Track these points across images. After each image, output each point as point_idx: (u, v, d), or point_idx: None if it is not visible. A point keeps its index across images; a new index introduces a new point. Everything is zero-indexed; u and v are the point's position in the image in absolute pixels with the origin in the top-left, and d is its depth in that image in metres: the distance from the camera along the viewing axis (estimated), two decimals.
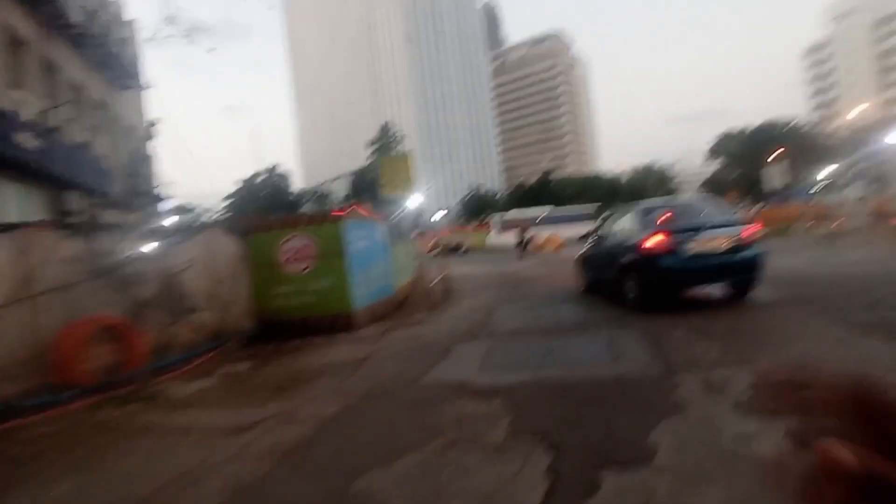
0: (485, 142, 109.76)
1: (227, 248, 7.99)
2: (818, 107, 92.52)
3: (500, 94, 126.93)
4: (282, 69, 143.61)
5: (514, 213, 37.48)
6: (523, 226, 27.06)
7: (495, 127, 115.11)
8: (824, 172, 43.66)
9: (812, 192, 38.49)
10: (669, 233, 7.02)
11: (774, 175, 25.93)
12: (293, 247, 8.02)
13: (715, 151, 75.70)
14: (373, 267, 9.00)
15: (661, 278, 7.03)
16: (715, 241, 6.97)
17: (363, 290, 8.33)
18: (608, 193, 63.02)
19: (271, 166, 75.58)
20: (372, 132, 63.03)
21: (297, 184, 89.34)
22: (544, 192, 68.04)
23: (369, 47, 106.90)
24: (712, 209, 7.79)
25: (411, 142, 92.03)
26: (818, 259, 11.00)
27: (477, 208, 73.13)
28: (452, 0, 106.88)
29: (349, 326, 7.91)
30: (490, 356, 5.71)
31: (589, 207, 39.18)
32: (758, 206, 27.40)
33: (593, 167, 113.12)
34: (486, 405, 4.06)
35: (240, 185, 70.28)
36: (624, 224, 8.17)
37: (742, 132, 69.88)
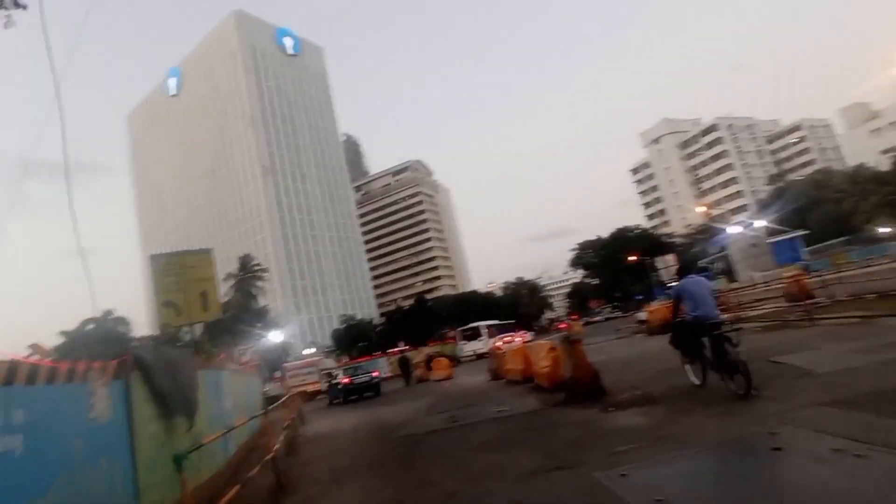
0: (355, 270, 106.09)
1: None
2: (651, 216, 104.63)
3: (368, 223, 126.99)
4: (129, 207, 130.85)
5: (490, 322, 40.12)
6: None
7: (365, 255, 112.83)
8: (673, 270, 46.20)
9: (668, 288, 39.71)
10: (350, 377, 21.87)
11: (669, 264, 25.06)
12: None
13: (575, 262, 79.76)
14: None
15: (347, 391, 21.21)
16: (363, 378, 21.65)
17: None
18: (484, 309, 61.50)
19: (105, 311, 65.66)
20: (231, 266, 56.09)
21: (144, 329, 78.09)
22: (423, 314, 65.16)
23: (226, 180, 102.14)
24: (366, 367, 24.81)
25: (276, 274, 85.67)
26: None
27: (351, 339, 67.46)
28: (313, 132, 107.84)
29: None
30: None
31: (509, 321, 44.21)
32: (652, 305, 26.10)
33: (464, 286, 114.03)
34: None
35: (64, 336, 58.87)
36: (340, 372, 25.09)
37: (598, 240, 74.73)
